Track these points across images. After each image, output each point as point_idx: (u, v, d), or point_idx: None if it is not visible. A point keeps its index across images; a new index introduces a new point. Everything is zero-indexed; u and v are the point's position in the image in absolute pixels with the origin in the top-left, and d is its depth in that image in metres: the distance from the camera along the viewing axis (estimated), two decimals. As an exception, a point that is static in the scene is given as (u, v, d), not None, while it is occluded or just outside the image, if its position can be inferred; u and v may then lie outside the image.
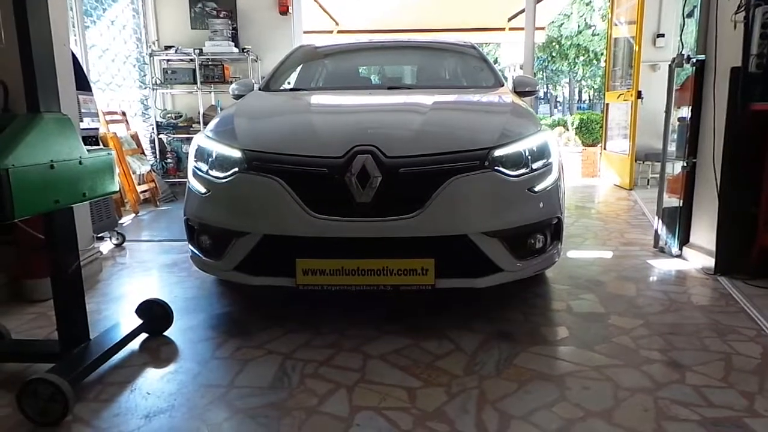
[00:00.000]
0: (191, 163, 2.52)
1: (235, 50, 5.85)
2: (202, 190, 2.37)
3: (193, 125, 6.00)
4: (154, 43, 6.01)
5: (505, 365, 1.95)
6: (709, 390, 1.75)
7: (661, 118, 3.59)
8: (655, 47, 6.39)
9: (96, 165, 1.91)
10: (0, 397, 1.76)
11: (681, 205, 3.23)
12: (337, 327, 2.30)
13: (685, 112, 3.19)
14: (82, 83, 3.52)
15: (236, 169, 2.26)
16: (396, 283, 2.15)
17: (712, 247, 2.96)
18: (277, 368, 1.94)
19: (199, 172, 2.42)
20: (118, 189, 2.09)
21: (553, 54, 13.74)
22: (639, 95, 5.81)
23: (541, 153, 2.37)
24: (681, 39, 3.27)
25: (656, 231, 3.49)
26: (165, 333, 2.25)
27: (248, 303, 2.62)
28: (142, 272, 3.20)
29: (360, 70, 3.93)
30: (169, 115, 6.04)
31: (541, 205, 2.31)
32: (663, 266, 3.14)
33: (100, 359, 1.84)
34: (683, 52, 3.18)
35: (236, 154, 2.28)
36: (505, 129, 2.37)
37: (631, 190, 6.01)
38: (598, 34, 12.26)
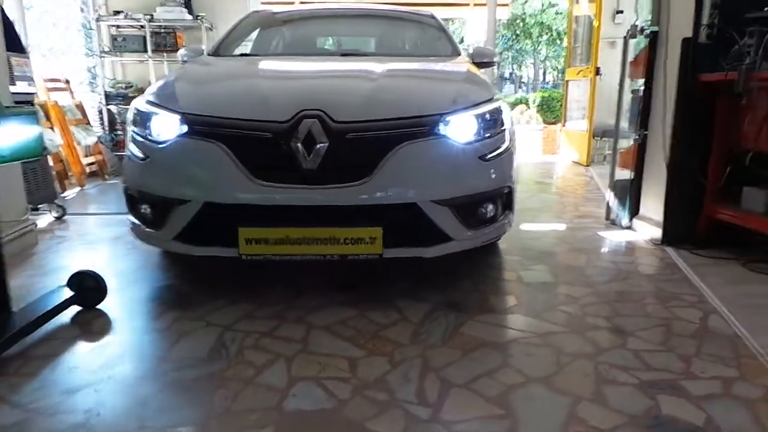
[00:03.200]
0: (129, 128, 2.39)
1: (189, 17, 5.60)
2: (141, 156, 2.25)
3: (144, 96, 5.74)
4: (101, 7, 5.69)
5: (451, 334, 1.93)
6: (648, 354, 1.77)
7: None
8: (614, 23, 6.42)
9: (16, 124, 1.78)
10: None
11: (632, 177, 3.26)
12: (284, 298, 2.23)
13: (639, 84, 3.20)
14: (15, 44, 3.29)
15: (176, 134, 2.15)
16: (343, 253, 2.09)
17: (661, 218, 3.00)
18: (215, 340, 1.87)
19: (138, 138, 2.29)
20: (41, 153, 1.95)
21: (518, 32, 13.75)
22: (597, 72, 5.85)
23: (494, 121, 2.32)
24: (636, 11, 3.26)
25: (608, 204, 3.53)
26: (101, 306, 2.14)
27: (193, 275, 2.53)
28: (83, 245, 3.05)
29: (315, 37, 3.80)
30: (119, 85, 5.77)
31: (493, 173, 2.28)
32: (613, 237, 3.18)
33: (22, 332, 1.73)
34: (637, 23, 3.18)
35: (176, 118, 2.16)
36: (458, 96, 2.31)
37: (588, 166, 6.09)
38: (561, 13, 12.31)
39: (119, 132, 5.80)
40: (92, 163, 4.98)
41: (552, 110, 9.36)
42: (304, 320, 2.04)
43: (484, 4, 8.45)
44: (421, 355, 1.78)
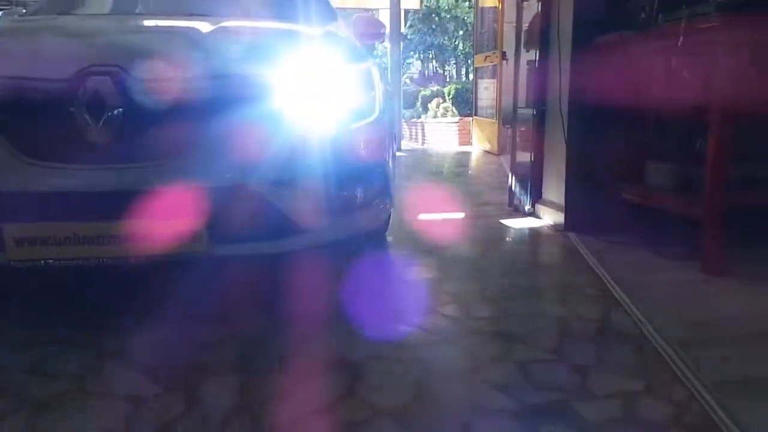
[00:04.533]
0: None
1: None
2: None
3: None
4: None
5: (291, 354, 1.46)
6: (537, 366, 1.37)
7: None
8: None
9: None
10: None
11: (532, 159, 2.95)
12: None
13: (534, 56, 2.89)
14: None
15: None
16: (155, 253, 1.58)
17: (562, 201, 2.69)
18: None
19: None
20: None
21: (434, 26, 13.62)
22: (503, 56, 5.61)
23: (359, 86, 1.89)
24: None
25: (510, 188, 3.20)
26: None
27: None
28: None
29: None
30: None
31: (358, 146, 1.85)
32: (514, 225, 2.84)
33: None
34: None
35: None
36: (312, 54, 1.86)
37: (499, 155, 5.85)
38: (473, 7, 12.31)
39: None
40: None
41: (467, 102, 9.19)
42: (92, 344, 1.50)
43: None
44: (241, 386, 1.29)
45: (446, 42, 15.14)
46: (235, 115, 1.59)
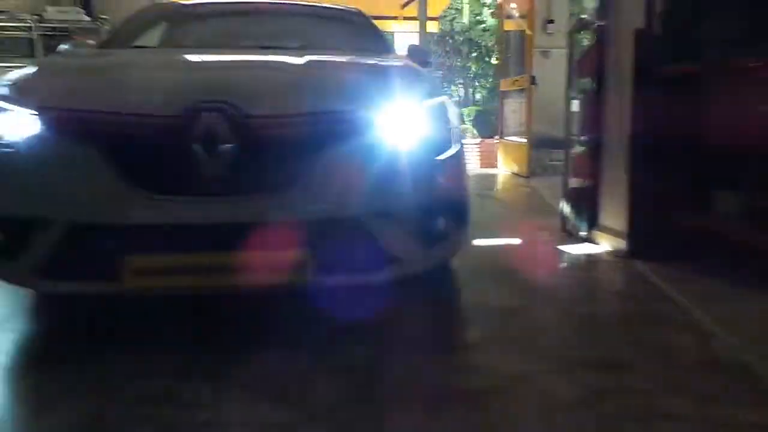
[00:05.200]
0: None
1: (87, 19, 4.95)
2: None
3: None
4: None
5: (407, 384, 1.49)
6: (659, 398, 1.40)
7: (555, 106, 3.37)
8: (546, 33, 6.34)
9: None
10: None
11: (587, 185, 2.99)
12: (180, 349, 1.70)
13: (586, 85, 2.95)
14: None
15: (29, 135, 1.60)
16: (263, 283, 1.63)
17: (623, 228, 2.72)
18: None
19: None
20: None
21: (447, 49, 13.77)
22: (533, 81, 5.70)
23: (442, 119, 1.94)
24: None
25: (562, 214, 3.23)
26: None
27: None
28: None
29: (227, 31, 3.27)
30: None
31: (445, 180, 1.90)
32: (574, 251, 2.86)
33: None
34: (583, 17, 2.93)
35: (28, 114, 1.62)
36: (400, 88, 1.92)
37: (528, 177, 5.90)
38: (488, 30, 12.44)
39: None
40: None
41: (486, 124, 9.27)
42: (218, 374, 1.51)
43: (414, 18, 8.33)
44: (367, 416, 1.32)
45: (458, 64, 15.27)
46: (341, 149, 1.65)
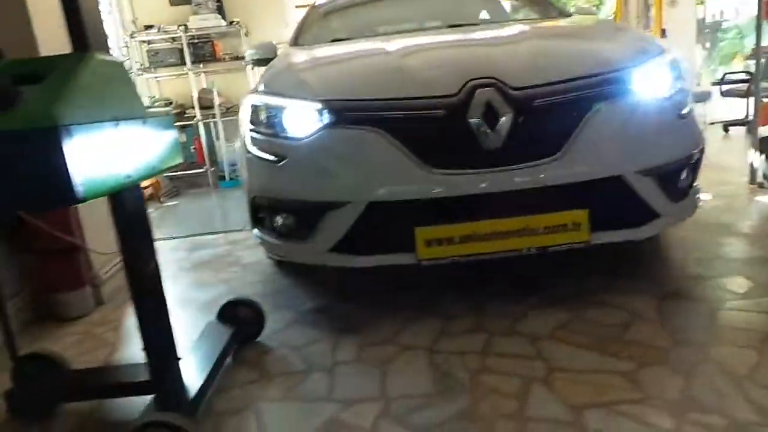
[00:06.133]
0: (247, 130, 2.02)
1: (224, 23, 5.26)
2: (272, 158, 1.88)
3: (187, 111, 5.39)
4: (133, 23, 5.35)
5: (712, 329, 1.55)
6: None
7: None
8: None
9: (158, 127, 1.42)
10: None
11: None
12: (465, 308, 1.86)
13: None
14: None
15: (320, 126, 1.79)
16: (542, 245, 1.73)
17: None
18: (428, 367, 1.50)
19: (263, 138, 1.93)
20: (182, 160, 1.60)
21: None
22: (663, 33, 5.47)
23: (677, 72, 1.96)
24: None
25: (752, 165, 3.13)
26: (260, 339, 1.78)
27: (333, 293, 2.16)
28: (182, 272, 2.69)
29: (404, 16, 3.37)
30: (158, 103, 5.42)
31: (690, 133, 1.92)
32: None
33: (206, 384, 1.37)
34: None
35: (315, 106, 1.80)
36: (636, 46, 1.96)
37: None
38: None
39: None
40: (146, 187, 4.63)
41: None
42: (515, 330, 1.66)
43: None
44: (706, 359, 1.40)
45: None
46: (603, 111, 1.71)
